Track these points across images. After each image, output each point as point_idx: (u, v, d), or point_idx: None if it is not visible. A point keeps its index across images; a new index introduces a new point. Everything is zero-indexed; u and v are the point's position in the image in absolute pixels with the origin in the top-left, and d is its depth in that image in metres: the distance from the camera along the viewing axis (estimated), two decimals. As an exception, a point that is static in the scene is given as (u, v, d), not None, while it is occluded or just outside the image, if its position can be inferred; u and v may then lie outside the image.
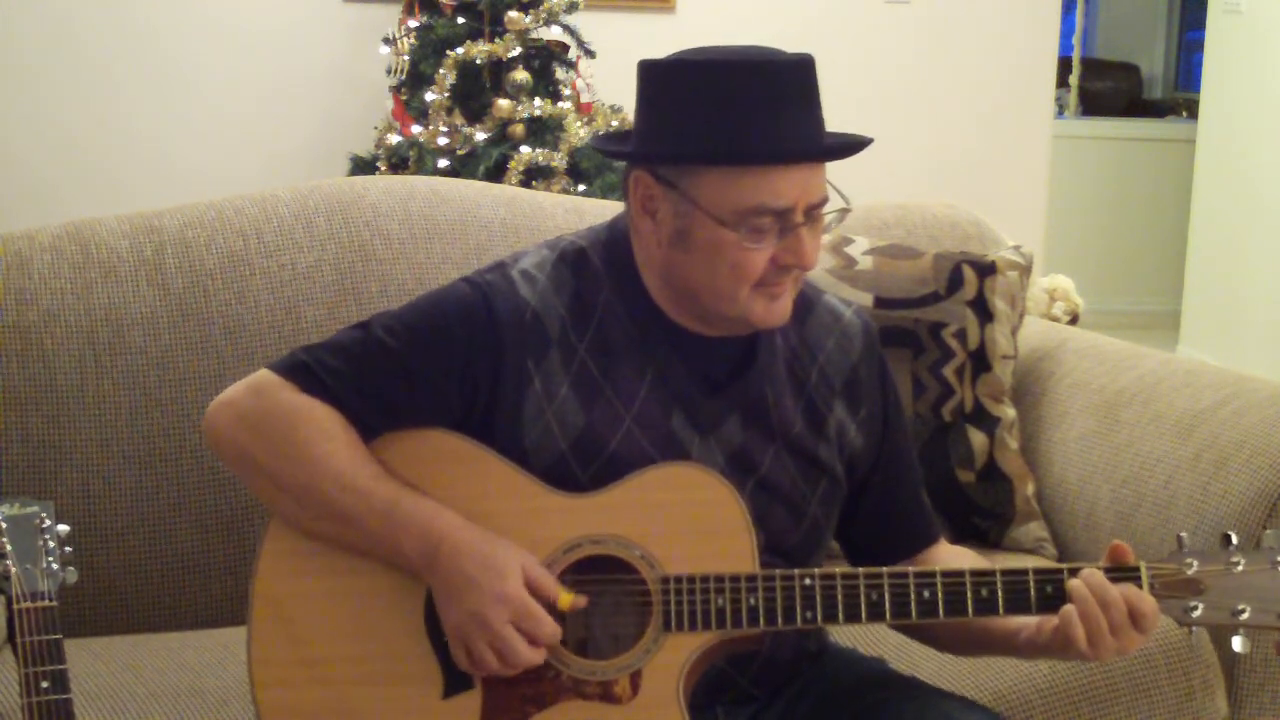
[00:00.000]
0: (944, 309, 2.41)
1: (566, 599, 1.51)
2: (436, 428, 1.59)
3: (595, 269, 1.64)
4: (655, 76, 1.56)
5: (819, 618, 1.53)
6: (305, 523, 1.57)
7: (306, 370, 1.58)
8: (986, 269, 2.44)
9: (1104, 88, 8.14)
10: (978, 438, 2.40)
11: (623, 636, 1.55)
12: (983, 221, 2.72)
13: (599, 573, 1.55)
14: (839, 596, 1.53)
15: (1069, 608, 1.51)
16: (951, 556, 1.76)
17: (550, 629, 1.50)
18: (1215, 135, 5.93)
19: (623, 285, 1.63)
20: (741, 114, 1.49)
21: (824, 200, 1.55)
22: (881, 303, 2.39)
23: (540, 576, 1.52)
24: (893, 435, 1.75)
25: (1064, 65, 7.33)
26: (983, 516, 2.40)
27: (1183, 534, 1.56)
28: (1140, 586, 1.52)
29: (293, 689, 1.56)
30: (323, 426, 1.55)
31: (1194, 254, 6.08)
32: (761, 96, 1.50)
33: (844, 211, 1.59)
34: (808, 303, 1.71)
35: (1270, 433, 2.16)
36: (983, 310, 2.42)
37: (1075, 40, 7.99)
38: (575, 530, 1.55)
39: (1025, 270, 2.50)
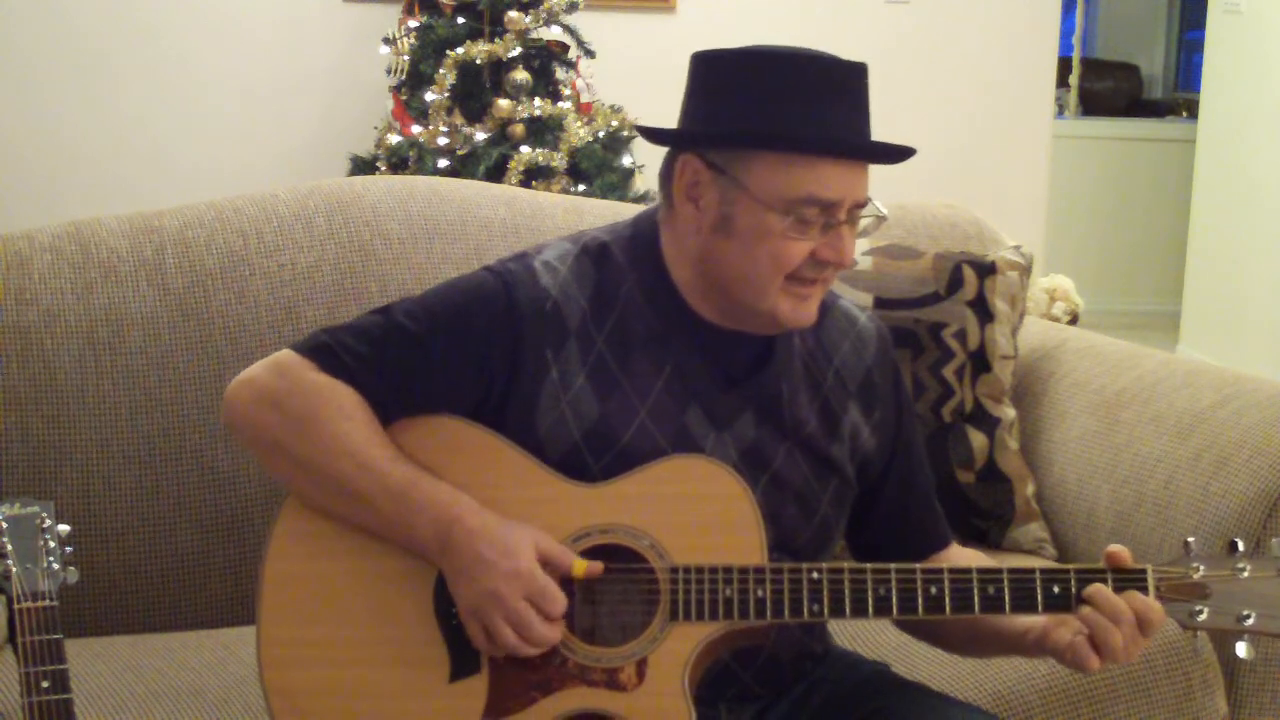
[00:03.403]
0: (944, 309, 2.41)
1: (581, 566, 1.52)
2: (451, 414, 1.60)
3: (617, 262, 1.66)
4: (713, 65, 1.59)
5: (826, 611, 1.53)
6: (320, 501, 1.58)
7: (328, 351, 1.59)
8: (986, 269, 2.45)
9: (1104, 88, 8.15)
10: (977, 438, 2.40)
11: (630, 625, 1.55)
12: (983, 221, 2.72)
13: (608, 561, 1.55)
14: (846, 591, 1.53)
15: (1080, 639, 1.51)
16: (961, 560, 1.76)
17: (563, 605, 1.51)
18: (1215, 135, 5.93)
19: (646, 279, 1.64)
20: (798, 103, 1.52)
21: (866, 201, 1.58)
22: (881, 303, 2.39)
23: (553, 549, 1.53)
24: (905, 439, 1.76)
25: (1064, 65, 7.33)
26: (983, 517, 2.40)
27: (1190, 539, 1.56)
28: (1146, 589, 1.52)
29: (300, 669, 1.56)
30: (342, 406, 1.56)
31: (1194, 254, 6.08)
32: (818, 89, 1.53)
33: (880, 219, 1.61)
34: (824, 306, 1.72)
35: (1270, 433, 2.16)
36: (983, 310, 2.42)
37: (1075, 40, 7.99)
38: (585, 519, 1.56)
39: (1025, 270, 2.51)
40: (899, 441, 1.75)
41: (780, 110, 1.52)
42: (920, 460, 1.80)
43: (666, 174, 1.63)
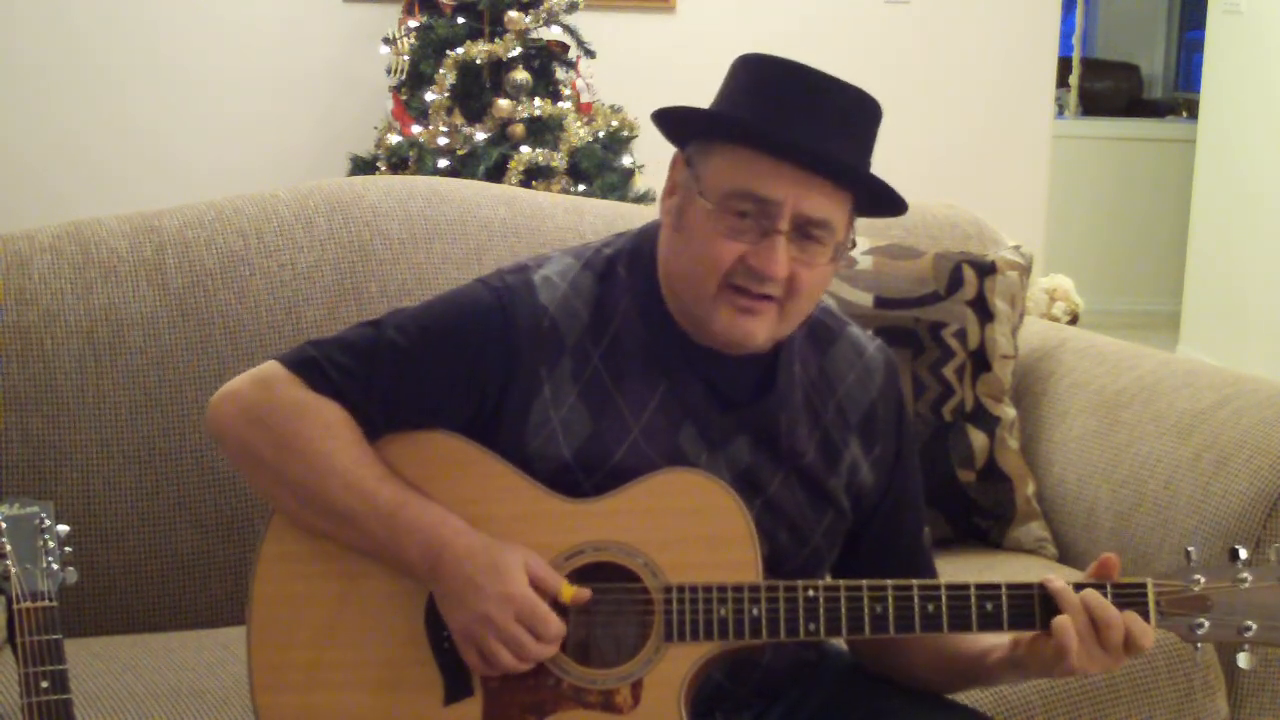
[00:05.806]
0: (944, 309, 2.41)
1: (569, 591, 1.51)
2: (440, 429, 1.58)
3: (619, 278, 1.62)
4: (731, 68, 1.58)
5: (822, 630, 1.52)
6: (306, 520, 1.56)
7: (315, 365, 1.56)
8: (986, 269, 2.44)
9: (1104, 88, 8.15)
10: (978, 438, 2.40)
11: (624, 645, 1.54)
12: (983, 221, 2.72)
13: (601, 579, 1.54)
14: (842, 609, 1.52)
15: (1063, 624, 1.49)
16: None
17: (556, 626, 1.49)
18: (1215, 135, 5.93)
19: (643, 295, 1.61)
20: (765, 103, 1.50)
21: (820, 221, 1.51)
22: (881, 303, 2.39)
23: (543, 572, 1.51)
24: (902, 475, 1.72)
25: (1064, 65, 7.34)
26: (983, 516, 2.40)
27: (1190, 548, 1.54)
28: (1146, 604, 1.50)
29: (293, 693, 1.55)
30: (328, 424, 1.54)
31: (1194, 254, 6.08)
32: (792, 92, 1.50)
33: (849, 261, 1.57)
34: (830, 334, 1.69)
35: (1270, 433, 2.16)
36: (983, 310, 2.42)
37: (1075, 40, 7.99)
38: (578, 536, 1.54)
39: (1025, 270, 2.51)
40: (896, 477, 1.71)
41: (746, 107, 1.51)
42: (916, 499, 1.75)
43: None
